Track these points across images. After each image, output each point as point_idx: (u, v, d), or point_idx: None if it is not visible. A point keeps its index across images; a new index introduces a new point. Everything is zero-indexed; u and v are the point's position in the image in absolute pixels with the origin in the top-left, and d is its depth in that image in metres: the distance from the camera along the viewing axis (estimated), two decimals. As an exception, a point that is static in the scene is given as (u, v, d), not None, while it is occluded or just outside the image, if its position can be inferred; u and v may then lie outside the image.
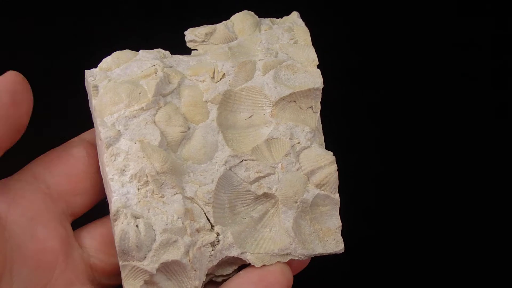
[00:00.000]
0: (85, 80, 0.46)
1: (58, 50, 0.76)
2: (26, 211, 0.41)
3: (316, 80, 0.47)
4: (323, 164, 0.46)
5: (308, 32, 0.49)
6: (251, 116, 0.47)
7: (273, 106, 0.47)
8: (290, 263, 0.45)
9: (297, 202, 0.45)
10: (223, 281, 0.45)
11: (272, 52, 0.48)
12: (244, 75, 0.47)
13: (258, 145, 0.46)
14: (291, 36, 0.49)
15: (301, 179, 0.46)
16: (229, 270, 0.46)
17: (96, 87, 0.45)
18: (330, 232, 0.46)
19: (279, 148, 0.46)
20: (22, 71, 0.41)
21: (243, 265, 0.45)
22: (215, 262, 0.44)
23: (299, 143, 0.46)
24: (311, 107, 0.48)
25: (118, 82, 0.45)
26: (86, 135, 0.47)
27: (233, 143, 0.46)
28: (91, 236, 0.45)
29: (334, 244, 0.46)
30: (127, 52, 0.47)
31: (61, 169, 0.44)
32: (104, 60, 0.46)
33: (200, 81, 0.46)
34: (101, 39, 0.75)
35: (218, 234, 0.44)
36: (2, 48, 0.76)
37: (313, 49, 0.48)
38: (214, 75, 0.47)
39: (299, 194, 0.46)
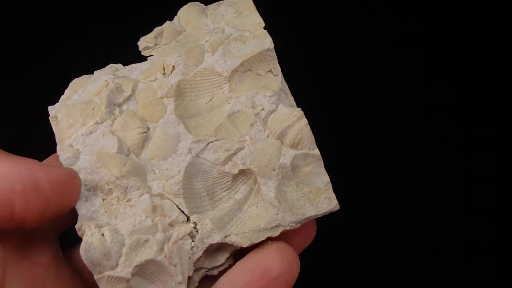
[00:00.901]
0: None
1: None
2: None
3: (265, 41, 0.46)
4: (291, 122, 0.44)
5: (251, 0, 0.48)
6: (211, 98, 0.46)
7: (228, 81, 0.46)
8: (291, 241, 0.43)
9: (274, 169, 0.44)
10: (220, 273, 0.44)
11: (218, 30, 0.47)
12: (193, 60, 0.47)
13: (221, 123, 0.45)
14: (235, 9, 0.49)
15: (273, 145, 0.44)
16: (221, 260, 0.44)
17: (55, 117, 0.45)
18: (320, 191, 0.44)
19: (243, 120, 0.45)
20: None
21: (240, 255, 0.44)
22: (199, 253, 0.43)
23: (263, 109, 0.45)
24: (270, 71, 0.46)
25: (72, 106, 0.45)
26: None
27: (197, 129, 0.45)
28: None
29: (326, 202, 0.44)
30: (84, 78, 0.47)
31: None
32: (65, 91, 0.47)
33: (153, 81, 0.46)
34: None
35: (195, 223, 0.43)
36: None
37: (258, 13, 0.48)
38: (164, 70, 0.47)
39: (274, 161, 0.44)
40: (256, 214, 0.44)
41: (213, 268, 0.45)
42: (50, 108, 0.46)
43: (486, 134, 0.77)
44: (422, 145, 0.77)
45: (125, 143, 0.44)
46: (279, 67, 0.46)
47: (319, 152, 0.44)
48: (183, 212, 0.43)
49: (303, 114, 0.44)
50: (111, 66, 0.48)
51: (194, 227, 0.43)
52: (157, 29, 0.49)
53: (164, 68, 0.47)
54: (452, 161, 0.77)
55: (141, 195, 0.43)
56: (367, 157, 0.77)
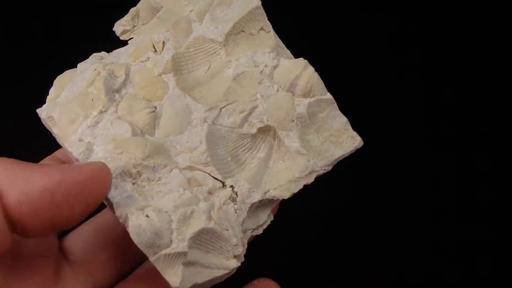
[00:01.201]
0: (41, 119, 0.45)
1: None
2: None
3: (251, 0, 0.46)
4: (298, 72, 0.44)
5: None
6: (209, 67, 0.46)
7: (224, 46, 0.46)
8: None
9: (293, 120, 0.44)
10: (264, 231, 0.44)
11: None
12: (183, 33, 0.46)
13: (229, 87, 0.45)
14: None
15: (286, 97, 0.44)
16: (263, 217, 0.44)
17: (51, 117, 0.44)
18: (341, 133, 0.45)
19: (249, 80, 0.45)
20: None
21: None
22: (244, 215, 0.43)
23: (266, 66, 0.45)
24: (261, 28, 0.46)
25: (67, 102, 0.44)
26: (57, 153, 0.47)
27: (204, 99, 0.45)
28: (81, 240, 0.45)
29: (350, 141, 0.45)
30: (66, 73, 0.46)
31: None
32: (49, 91, 0.45)
33: (145, 61, 0.46)
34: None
35: (232, 186, 0.43)
36: None
37: None
38: (154, 48, 0.46)
39: (290, 112, 0.44)
40: (286, 167, 0.44)
41: (257, 228, 0.44)
42: (39, 110, 0.44)
43: (486, 134, 0.77)
44: (422, 144, 0.77)
45: (136, 126, 0.43)
46: (269, 23, 0.46)
47: (331, 95, 0.45)
48: (217, 179, 0.43)
49: (307, 62, 0.45)
50: (95, 55, 0.47)
51: (232, 190, 0.43)
52: (132, 10, 0.48)
53: (154, 46, 0.46)
54: (452, 161, 0.77)
55: (170, 171, 0.42)
56: (366, 156, 0.77)
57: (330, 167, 0.44)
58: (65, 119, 0.43)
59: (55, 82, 0.46)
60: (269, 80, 0.45)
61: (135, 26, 0.48)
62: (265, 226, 0.45)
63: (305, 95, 0.44)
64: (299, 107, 0.44)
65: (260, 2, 0.46)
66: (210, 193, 0.42)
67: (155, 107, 0.44)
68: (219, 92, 0.45)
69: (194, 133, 0.44)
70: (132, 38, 0.48)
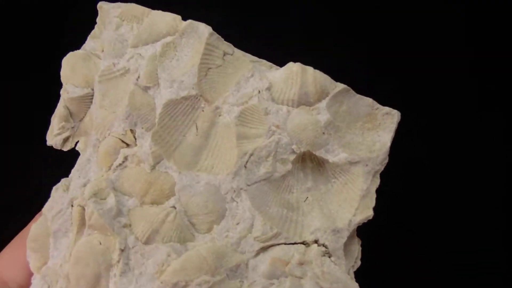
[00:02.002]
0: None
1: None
2: None
3: (201, 32, 0.40)
4: (300, 80, 0.40)
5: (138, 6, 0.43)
6: (197, 126, 0.41)
7: (201, 96, 0.40)
8: None
9: (323, 133, 0.39)
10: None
11: (131, 58, 0.41)
12: (146, 108, 0.40)
13: (238, 135, 0.39)
14: (128, 27, 0.42)
15: (303, 114, 0.40)
16: (355, 249, 0.41)
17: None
18: (372, 115, 0.40)
19: (253, 116, 0.40)
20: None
21: None
22: (343, 260, 0.39)
23: (259, 91, 0.40)
24: (224, 54, 0.41)
25: (79, 277, 0.38)
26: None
27: (218, 165, 0.40)
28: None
29: (388, 118, 0.40)
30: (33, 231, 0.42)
31: None
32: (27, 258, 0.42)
33: (123, 163, 0.40)
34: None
35: (316, 241, 0.39)
36: None
37: (161, 12, 0.42)
38: (125, 143, 0.41)
39: (317, 126, 0.39)
40: (345, 184, 0.40)
41: (355, 262, 0.41)
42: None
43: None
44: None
45: (170, 240, 0.38)
46: (228, 43, 0.42)
47: (342, 84, 0.41)
48: (296, 243, 0.39)
49: (300, 63, 0.41)
50: (57, 188, 0.42)
51: (318, 244, 0.39)
52: (58, 113, 0.43)
53: (122, 141, 0.40)
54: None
55: (247, 267, 0.38)
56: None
57: (387, 157, 0.40)
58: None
59: (28, 247, 0.41)
60: (273, 105, 0.40)
61: (73, 127, 0.43)
62: (360, 256, 0.41)
63: (319, 98, 0.40)
64: (321, 115, 0.40)
65: (211, 28, 0.41)
66: (301, 263, 0.38)
67: (174, 207, 0.39)
68: (228, 148, 0.40)
69: (236, 209, 0.39)
70: (78, 142, 0.43)
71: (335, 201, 0.40)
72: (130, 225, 0.38)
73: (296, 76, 0.40)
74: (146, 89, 0.40)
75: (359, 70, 0.67)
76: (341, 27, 0.71)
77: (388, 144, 0.40)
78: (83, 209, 0.39)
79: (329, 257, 0.39)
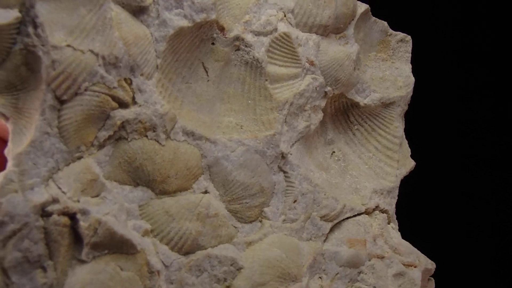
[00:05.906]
0: None
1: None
2: None
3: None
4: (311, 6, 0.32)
5: None
6: (204, 66, 0.31)
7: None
8: None
9: (354, 68, 0.32)
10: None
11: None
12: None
13: (268, 75, 0.31)
14: None
15: (333, 45, 0.32)
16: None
17: None
18: (387, 41, 0.34)
19: (283, 48, 0.32)
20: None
21: None
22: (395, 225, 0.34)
23: (281, 16, 0.32)
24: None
25: None
26: None
27: (248, 125, 0.30)
28: None
29: (403, 46, 0.35)
30: None
31: None
32: None
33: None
34: None
35: (378, 207, 0.33)
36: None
37: None
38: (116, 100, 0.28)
39: (350, 59, 0.32)
40: (373, 130, 0.34)
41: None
42: None
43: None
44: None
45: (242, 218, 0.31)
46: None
47: (363, 3, 0.36)
48: (360, 214, 0.32)
49: None
50: None
51: (379, 210, 0.33)
52: None
53: (113, 98, 0.28)
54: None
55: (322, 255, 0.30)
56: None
57: (412, 90, 0.34)
58: None
59: None
60: (300, 33, 0.30)
61: None
62: None
63: (348, 22, 0.32)
64: (349, 45, 0.31)
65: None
66: (374, 238, 0.31)
67: (206, 191, 0.28)
68: (258, 97, 0.29)
69: (287, 181, 0.30)
70: None
71: (367, 155, 0.33)
72: (153, 231, 0.26)
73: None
74: (136, 10, 0.26)
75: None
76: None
77: (412, 77, 0.34)
78: (73, 219, 0.25)
79: (388, 223, 0.32)
